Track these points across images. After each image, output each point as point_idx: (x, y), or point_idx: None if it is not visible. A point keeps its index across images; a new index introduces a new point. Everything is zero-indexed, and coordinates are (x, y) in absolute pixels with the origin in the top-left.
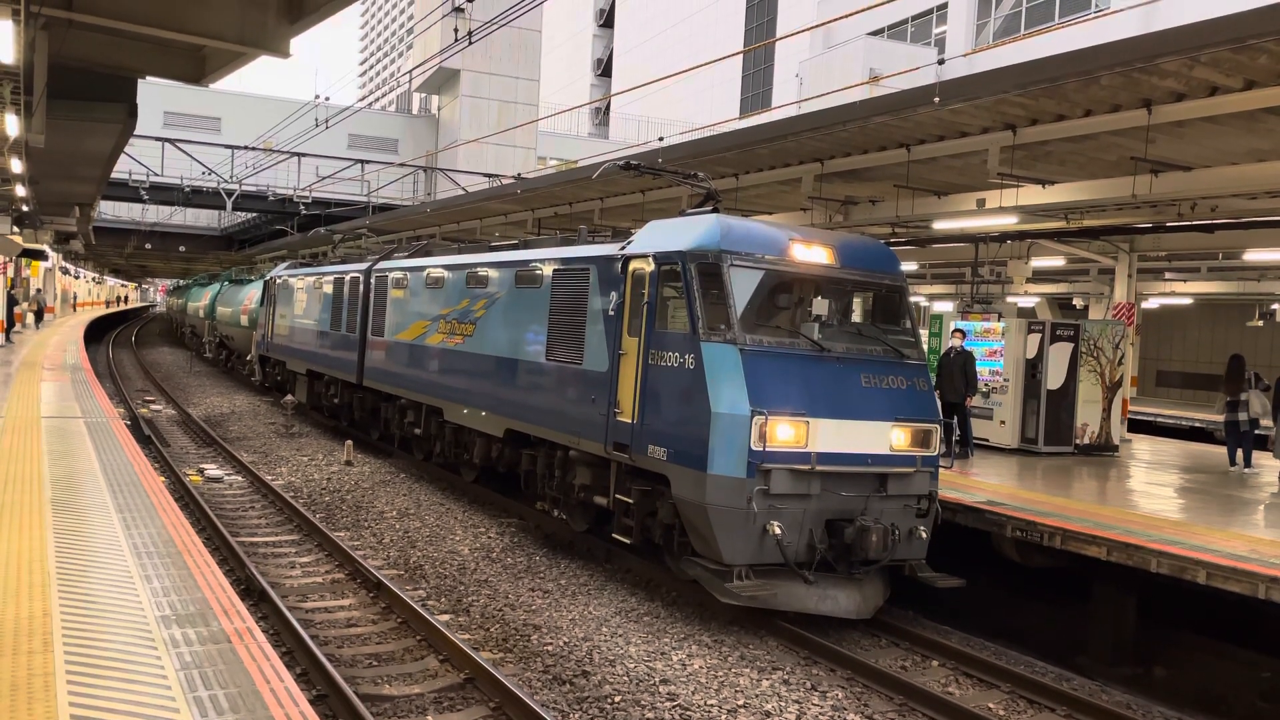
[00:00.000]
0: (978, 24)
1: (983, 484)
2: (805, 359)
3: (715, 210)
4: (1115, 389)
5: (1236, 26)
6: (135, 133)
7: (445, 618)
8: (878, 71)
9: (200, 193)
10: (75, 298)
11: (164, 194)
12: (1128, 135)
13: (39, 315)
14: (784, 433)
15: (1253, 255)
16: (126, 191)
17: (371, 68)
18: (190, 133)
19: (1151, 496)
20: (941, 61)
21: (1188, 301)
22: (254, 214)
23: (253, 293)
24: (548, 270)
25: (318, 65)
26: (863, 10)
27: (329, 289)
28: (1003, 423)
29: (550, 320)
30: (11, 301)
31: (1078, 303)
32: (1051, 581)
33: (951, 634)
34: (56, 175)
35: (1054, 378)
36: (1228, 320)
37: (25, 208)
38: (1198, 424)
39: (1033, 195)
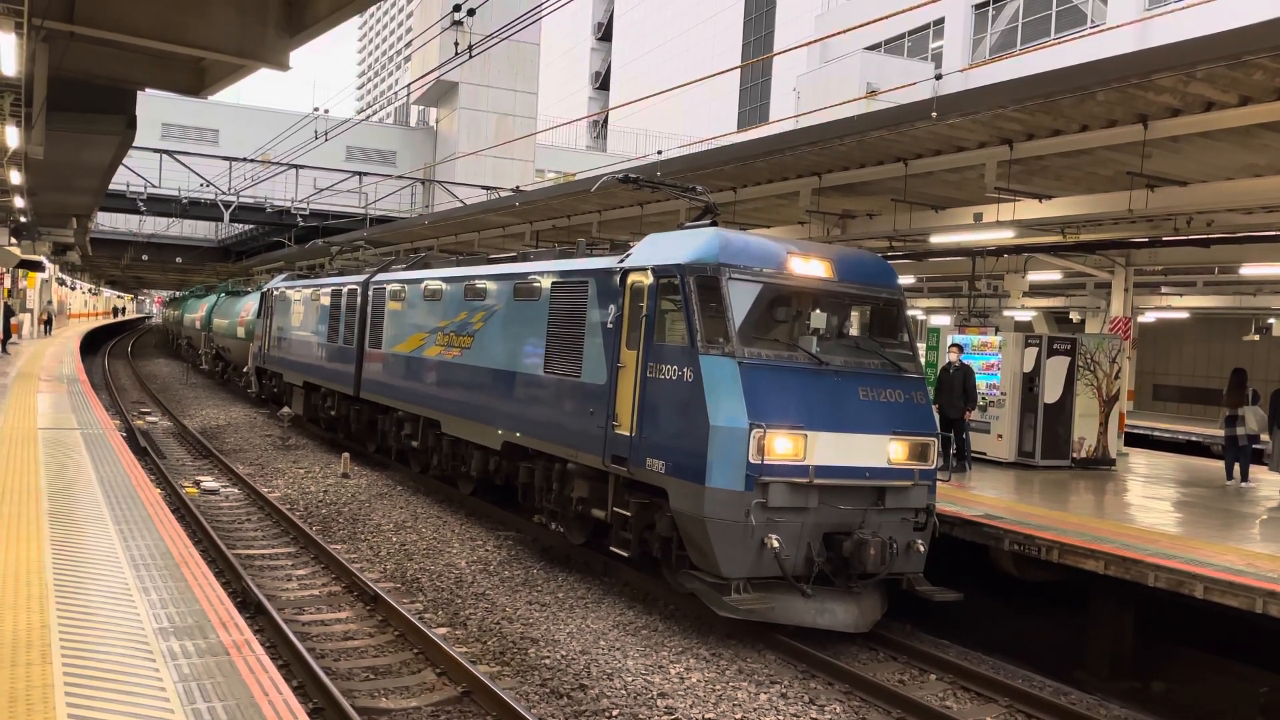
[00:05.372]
0: (974, 39)
1: (980, 498)
2: (803, 372)
3: (713, 224)
4: (1112, 403)
5: (1231, 43)
6: (133, 144)
7: (442, 631)
8: (875, 86)
9: (198, 204)
10: (69, 309)
11: (161, 205)
12: (1124, 150)
13: (49, 323)
14: (782, 446)
15: (1249, 270)
16: (124, 203)
17: (369, 80)
18: (188, 145)
19: (1149, 510)
20: (938, 76)
21: (1184, 316)
22: (251, 226)
23: (249, 304)
24: (546, 283)
25: (316, 78)
26: (860, 26)
27: (326, 301)
28: (1000, 436)
29: (548, 333)
30: (8, 312)
31: (1074, 317)
32: (1049, 595)
33: (949, 648)
34: (55, 187)
35: (1051, 392)
36: (1224, 334)
37: (23, 219)
38: (1195, 438)
39: (1029, 210)
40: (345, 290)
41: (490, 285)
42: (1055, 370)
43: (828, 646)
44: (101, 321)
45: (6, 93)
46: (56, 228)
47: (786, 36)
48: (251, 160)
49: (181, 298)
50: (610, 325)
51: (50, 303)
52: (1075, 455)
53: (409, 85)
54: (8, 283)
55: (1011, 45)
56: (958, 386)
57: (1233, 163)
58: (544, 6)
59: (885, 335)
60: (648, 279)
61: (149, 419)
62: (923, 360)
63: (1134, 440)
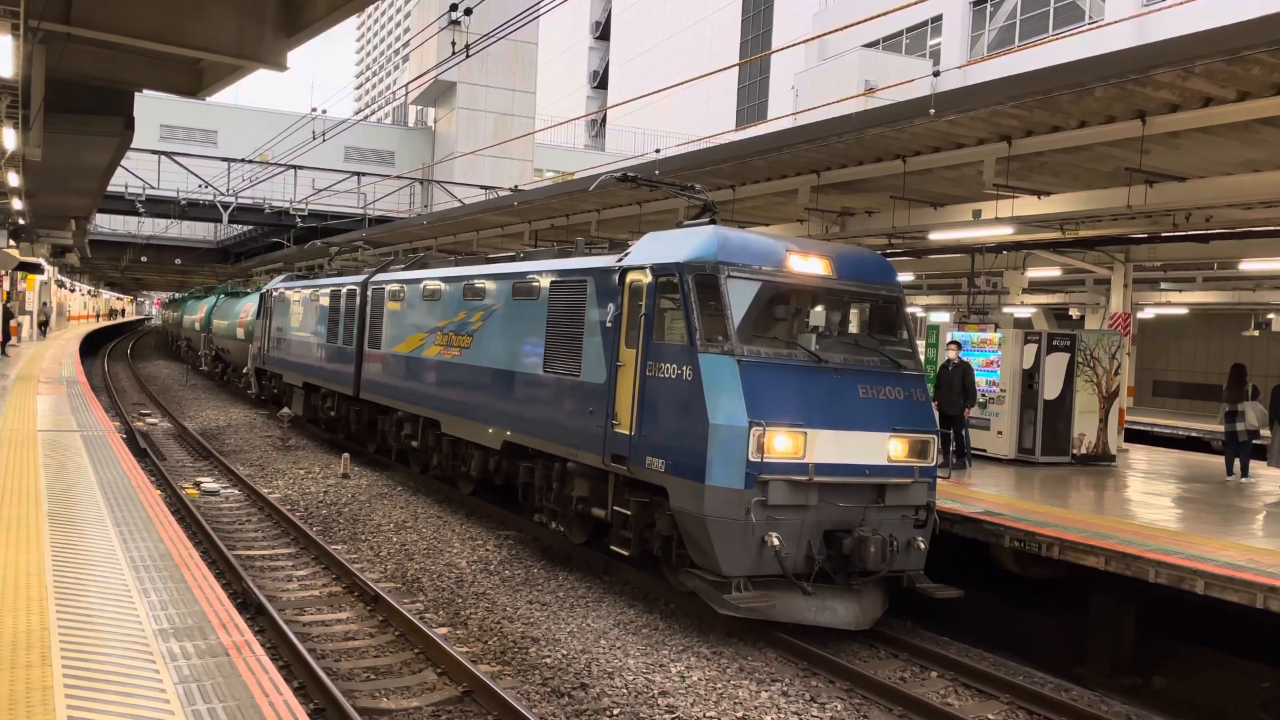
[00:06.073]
0: (972, 36)
1: (980, 494)
2: (803, 370)
3: (712, 222)
4: (1112, 399)
5: (1230, 38)
6: (131, 146)
7: (443, 630)
8: (873, 83)
9: (196, 205)
10: (68, 311)
11: (160, 207)
12: (1122, 146)
13: (44, 325)
14: (782, 444)
15: (1248, 265)
16: (123, 204)
17: (368, 80)
18: (186, 146)
19: (1149, 506)
20: (937, 73)
21: (1183, 311)
22: (250, 227)
23: (249, 305)
24: (545, 282)
25: (314, 78)
26: (858, 23)
27: (325, 301)
28: (1000, 433)
29: (548, 332)
30: (7, 315)
31: (1074, 313)
32: (1050, 592)
33: (950, 645)
34: (53, 188)
35: (1051, 388)
36: (1223, 330)
37: (21, 221)
38: (1194, 434)
39: (1028, 206)
40: (344, 290)
41: (489, 285)
42: (1055, 367)
43: (829, 644)
44: (103, 323)
45: (4, 94)
46: (55, 230)
47: (784, 34)
48: (250, 161)
49: (181, 299)
50: (609, 324)
51: (46, 305)
52: (1075, 451)
53: (407, 85)
54: (6, 285)
55: (1009, 42)
56: (957, 384)
57: (1231, 158)
58: (541, 6)
59: (884, 332)
60: (646, 278)
61: (149, 420)
62: (922, 357)
63: (1134, 436)
